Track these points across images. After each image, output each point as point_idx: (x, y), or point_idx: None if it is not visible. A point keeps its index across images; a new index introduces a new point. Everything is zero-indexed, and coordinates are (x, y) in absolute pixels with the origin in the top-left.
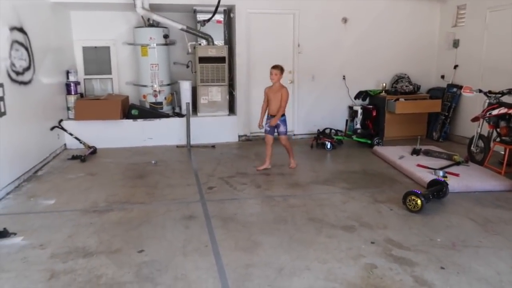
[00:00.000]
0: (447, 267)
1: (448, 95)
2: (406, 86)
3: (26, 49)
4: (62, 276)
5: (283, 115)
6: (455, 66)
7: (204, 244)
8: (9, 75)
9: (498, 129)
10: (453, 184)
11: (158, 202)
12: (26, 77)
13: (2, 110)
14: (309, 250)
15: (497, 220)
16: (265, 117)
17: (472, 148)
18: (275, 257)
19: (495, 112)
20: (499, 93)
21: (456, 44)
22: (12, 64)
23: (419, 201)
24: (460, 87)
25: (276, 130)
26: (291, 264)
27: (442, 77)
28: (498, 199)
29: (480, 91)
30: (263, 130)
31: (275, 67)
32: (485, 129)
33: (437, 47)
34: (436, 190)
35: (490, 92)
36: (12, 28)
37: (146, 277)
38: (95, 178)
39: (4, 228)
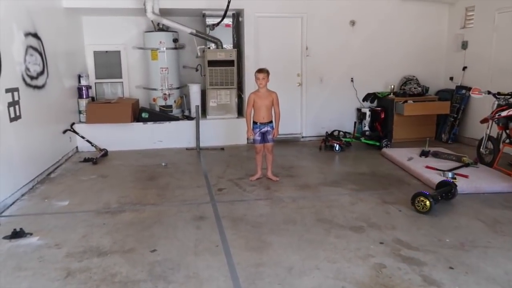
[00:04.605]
0: (456, 267)
1: (457, 97)
2: (415, 88)
3: (40, 54)
4: (78, 275)
5: (272, 121)
6: (464, 68)
7: (215, 244)
8: (24, 80)
9: (507, 131)
10: (462, 185)
11: (169, 203)
12: (40, 81)
13: (17, 114)
14: (318, 250)
15: (506, 221)
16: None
17: (481, 149)
18: (285, 256)
19: (504, 113)
20: (508, 94)
21: (464, 45)
22: (27, 69)
23: (427, 202)
24: (469, 89)
25: (264, 138)
26: (300, 264)
27: (451, 78)
28: (507, 201)
29: (489, 92)
30: (253, 139)
31: (261, 70)
32: (494, 130)
33: (445, 48)
34: (445, 191)
35: (499, 93)
36: (27, 34)
37: (159, 276)
38: (107, 180)
39: (21, 228)
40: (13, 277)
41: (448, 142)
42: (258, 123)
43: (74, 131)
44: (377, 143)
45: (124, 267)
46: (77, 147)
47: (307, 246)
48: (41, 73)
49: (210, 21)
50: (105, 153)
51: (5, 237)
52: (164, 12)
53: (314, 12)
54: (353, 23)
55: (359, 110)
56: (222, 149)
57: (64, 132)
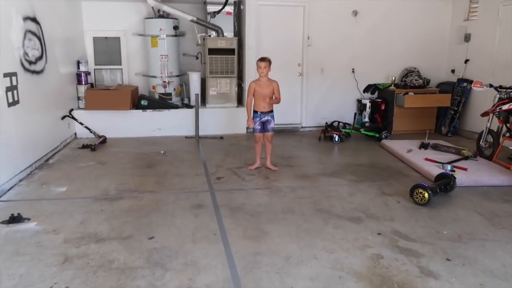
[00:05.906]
0: (453, 259)
1: (458, 90)
2: (416, 80)
3: (39, 38)
4: (75, 260)
5: (272, 110)
6: (466, 61)
7: (213, 232)
8: (22, 65)
9: (507, 124)
10: (461, 178)
11: (167, 191)
12: (38, 66)
13: (16, 98)
14: (316, 239)
15: (504, 214)
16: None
17: (481, 143)
18: (283, 246)
19: (505, 107)
20: (509, 88)
21: (467, 38)
22: (25, 54)
23: (426, 194)
24: (471, 82)
25: (264, 127)
26: (298, 253)
27: (453, 71)
28: (506, 194)
29: (491, 85)
30: (252, 128)
31: (263, 59)
32: (495, 124)
33: (448, 41)
34: (444, 184)
35: (500, 87)
36: (26, 18)
37: (157, 263)
38: (105, 167)
39: (18, 214)
40: (10, 262)
41: (448, 135)
42: (258, 112)
43: (73, 117)
44: (377, 135)
45: (121, 254)
46: (75, 134)
47: (305, 235)
48: (40, 58)
49: (211, 8)
50: (103, 140)
51: (2, 222)
52: None
53: (316, 1)
54: (355, 13)
55: (359, 101)
56: (222, 138)
57: (63, 118)
